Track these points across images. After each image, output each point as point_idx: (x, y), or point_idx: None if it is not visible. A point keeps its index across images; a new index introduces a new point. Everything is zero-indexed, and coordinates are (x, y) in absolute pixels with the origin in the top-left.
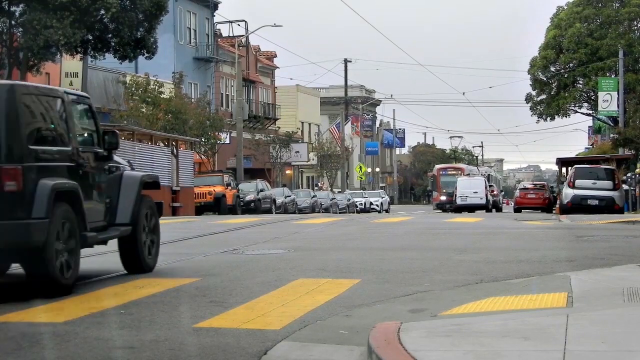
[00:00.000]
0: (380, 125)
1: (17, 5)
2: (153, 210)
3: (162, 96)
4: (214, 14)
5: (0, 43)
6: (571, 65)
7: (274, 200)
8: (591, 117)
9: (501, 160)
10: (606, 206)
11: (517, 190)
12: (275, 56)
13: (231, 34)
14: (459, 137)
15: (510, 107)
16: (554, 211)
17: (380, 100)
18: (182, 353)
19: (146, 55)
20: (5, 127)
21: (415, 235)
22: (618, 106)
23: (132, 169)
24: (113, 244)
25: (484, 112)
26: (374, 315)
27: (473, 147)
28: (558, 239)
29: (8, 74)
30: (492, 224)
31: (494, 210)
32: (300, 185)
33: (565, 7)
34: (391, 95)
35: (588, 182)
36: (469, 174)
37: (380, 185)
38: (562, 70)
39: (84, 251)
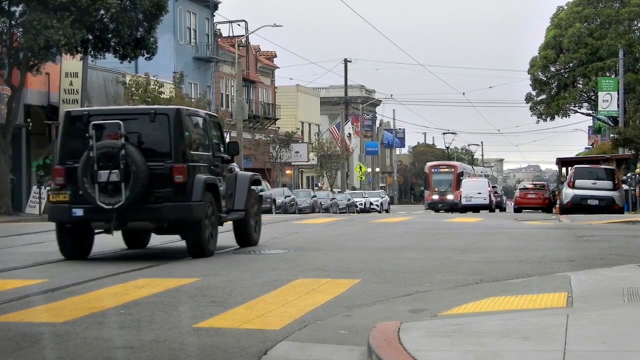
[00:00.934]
0: (380, 125)
1: (17, 5)
2: (257, 200)
3: (162, 96)
4: (214, 14)
5: (0, 43)
6: (571, 65)
7: (274, 200)
8: (591, 117)
9: (501, 160)
10: (606, 206)
11: (517, 190)
12: (275, 56)
13: (231, 34)
14: (452, 133)
15: (510, 107)
16: (554, 211)
17: (380, 100)
18: (182, 353)
19: (146, 55)
20: (175, 138)
21: (415, 235)
22: (618, 106)
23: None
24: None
25: (484, 112)
26: (374, 315)
27: (469, 145)
28: (558, 239)
29: (8, 74)
30: (492, 224)
31: (497, 210)
32: (300, 185)
33: (565, 7)
34: (391, 95)
35: (588, 182)
36: (462, 172)
37: (380, 185)
38: (562, 70)
39: None
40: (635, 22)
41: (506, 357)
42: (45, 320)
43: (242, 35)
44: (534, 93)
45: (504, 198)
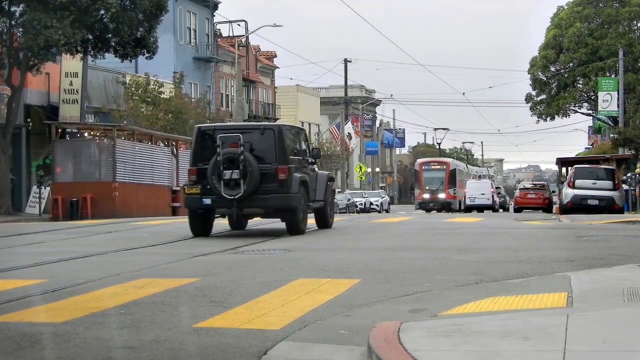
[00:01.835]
0: (380, 125)
1: (17, 5)
2: (332, 193)
3: (162, 96)
4: (214, 14)
5: (0, 43)
6: (571, 65)
7: None
8: (591, 117)
9: (501, 160)
10: (606, 206)
11: (517, 190)
12: (275, 56)
13: (231, 34)
14: (444, 129)
15: (510, 107)
16: (554, 211)
17: (380, 100)
18: (182, 353)
19: (146, 55)
20: (278, 147)
21: (415, 235)
22: (618, 106)
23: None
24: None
25: (484, 112)
26: (374, 315)
27: (463, 143)
28: (558, 239)
29: (8, 74)
30: (492, 224)
31: (501, 210)
32: None
33: (566, 7)
34: (391, 95)
35: (588, 182)
36: (454, 169)
37: (380, 185)
38: (562, 70)
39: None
40: (635, 22)
41: (506, 357)
42: (45, 320)
43: (242, 35)
44: (534, 93)
45: (507, 198)
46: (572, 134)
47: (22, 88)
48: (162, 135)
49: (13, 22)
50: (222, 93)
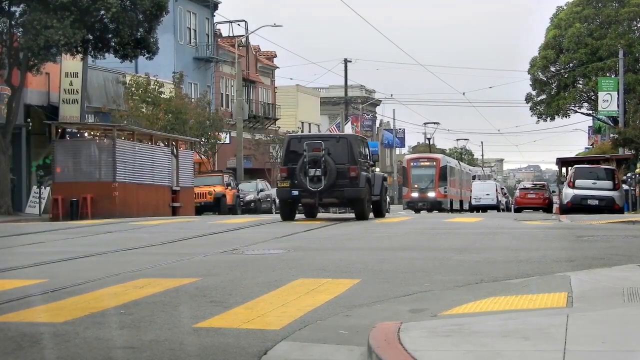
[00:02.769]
0: (380, 125)
1: (18, 6)
2: (386, 190)
3: (162, 96)
4: (214, 14)
5: (0, 43)
6: (571, 65)
7: (274, 200)
8: (591, 117)
9: (501, 160)
10: (606, 206)
11: (517, 190)
12: (275, 56)
13: (231, 34)
14: (434, 123)
15: (510, 107)
16: (554, 211)
17: (380, 100)
18: (182, 353)
19: (147, 55)
20: (350, 151)
21: (415, 235)
22: (618, 106)
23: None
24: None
25: (484, 112)
26: (374, 315)
27: (457, 139)
28: (558, 239)
29: (8, 74)
30: (492, 224)
31: (505, 210)
32: None
33: (565, 7)
34: (391, 95)
35: (588, 182)
36: (445, 166)
37: None
38: (562, 70)
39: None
40: (635, 22)
41: (506, 357)
42: (45, 320)
43: (242, 35)
44: (534, 93)
45: (511, 199)
46: (572, 134)
47: (22, 88)
48: (162, 135)
49: (13, 22)
50: (222, 93)
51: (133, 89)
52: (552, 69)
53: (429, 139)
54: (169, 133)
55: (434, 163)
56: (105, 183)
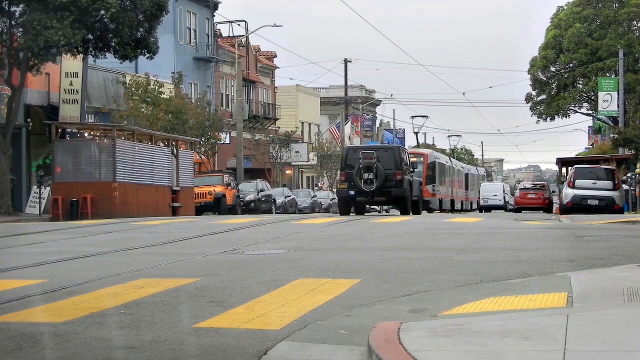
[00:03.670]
0: (380, 125)
1: (17, 6)
2: (418, 187)
3: (162, 96)
4: (214, 14)
5: (0, 43)
6: (571, 65)
7: (274, 200)
8: (591, 117)
9: (501, 160)
10: (606, 206)
11: (517, 190)
12: (275, 56)
13: (231, 34)
14: (423, 116)
15: (510, 107)
16: (553, 211)
17: (380, 100)
18: (182, 353)
19: (147, 55)
20: (396, 158)
21: (415, 235)
22: (618, 106)
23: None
24: None
25: (484, 112)
26: (374, 315)
27: (449, 136)
28: (558, 239)
29: (8, 74)
30: (492, 224)
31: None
32: (300, 185)
33: (565, 7)
34: (391, 95)
35: (588, 182)
36: (433, 162)
37: None
38: (562, 70)
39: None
40: (635, 22)
41: (506, 357)
42: (45, 320)
43: (242, 35)
44: (534, 93)
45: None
46: (572, 134)
47: (22, 88)
48: (162, 135)
49: (13, 22)
50: (222, 93)
51: (133, 89)
52: (552, 69)
53: (416, 133)
54: (169, 133)
55: (421, 159)
56: (105, 183)
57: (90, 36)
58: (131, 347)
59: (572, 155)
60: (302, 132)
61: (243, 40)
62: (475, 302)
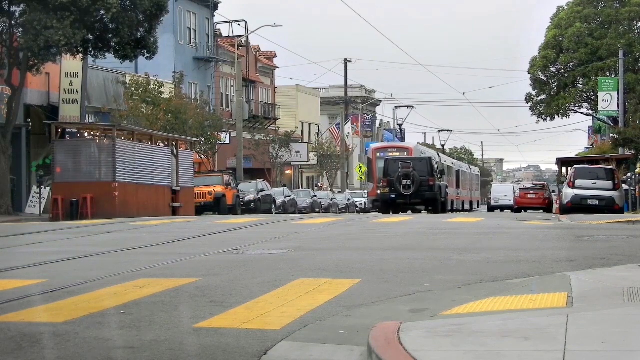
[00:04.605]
0: (380, 125)
1: (18, 6)
2: (445, 190)
3: (162, 96)
4: (214, 14)
5: (0, 43)
6: (571, 65)
7: (274, 200)
8: (591, 117)
9: (501, 160)
10: (606, 206)
11: (517, 190)
12: (275, 56)
13: (231, 34)
14: (408, 107)
15: (510, 107)
16: (553, 211)
17: (380, 100)
18: (182, 353)
19: (147, 55)
20: (429, 167)
21: (415, 235)
22: (618, 106)
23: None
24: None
25: (484, 112)
26: (374, 315)
27: (439, 131)
28: (558, 239)
29: (8, 74)
30: (492, 224)
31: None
32: (300, 185)
33: (566, 7)
34: (391, 95)
35: (588, 182)
36: (419, 157)
37: None
38: (562, 70)
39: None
40: (635, 22)
41: (506, 357)
42: (45, 320)
43: (242, 35)
44: (534, 93)
45: None
46: (572, 134)
47: (22, 88)
48: (162, 135)
49: (13, 22)
50: (222, 93)
51: (133, 89)
52: (552, 68)
53: (400, 125)
54: (169, 133)
55: (405, 153)
56: (105, 183)
57: (90, 36)
58: (131, 347)
59: (572, 155)
60: (302, 132)
61: (243, 40)
62: (475, 302)
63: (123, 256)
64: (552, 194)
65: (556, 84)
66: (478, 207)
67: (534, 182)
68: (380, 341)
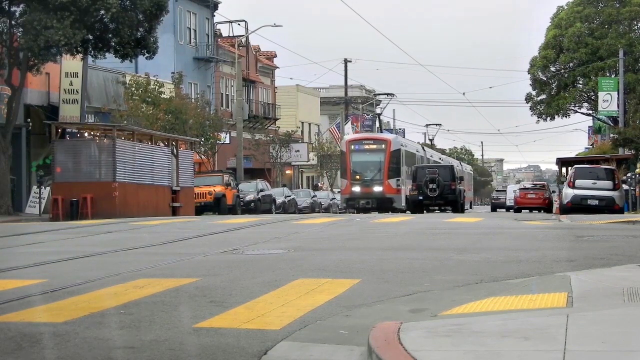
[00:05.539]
0: (380, 125)
1: (18, 6)
2: (463, 193)
3: (162, 96)
4: (214, 14)
5: (0, 43)
6: (571, 65)
7: (274, 200)
8: (591, 117)
9: (501, 160)
10: (606, 206)
11: (517, 190)
12: (275, 56)
13: (231, 34)
14: (388, 94)
15: (510, 107)
16: (553, 211)
17: (381, 101)
18: (182, 353)
19: (147, 55)
20: (451, 173)
21: (415, 235)
22: (618, 106)
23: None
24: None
25: (484, 112)
26: (374, 315)
27: (427, 125)
28: (558, 239)
29: (8, 74)
30: (492, 224)
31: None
32: (300, 185)
33: (566, 7)
34: (394, 95)
35: (588, 182)
36: (398, 151)
37: None
38: (562, 70)
39: None
40: (636, 21)
41: (506, 357)
42: (45, 320)
43: (242, 35)
44: (534, 93)
45: None
46: (572, 134)
47: (22, 88)
48: (162, 135)
49: (13, 22)
50: (222, 93)
51: (133, 89)
52: (552, 68)
53: (378, 114)
54: (169, 133)
55: (383, 146)
56: (105, 183)
57: (90, 36)
58: (131, 347)
59: (572, 155)
60: (302, 132)
61: (243, 40)
62: (475, 302)
63: (123, 256)
64: (552, 194)
65: (556, 83)
66: (471, 207)
67: (534, 182)
68: (380, 341)
